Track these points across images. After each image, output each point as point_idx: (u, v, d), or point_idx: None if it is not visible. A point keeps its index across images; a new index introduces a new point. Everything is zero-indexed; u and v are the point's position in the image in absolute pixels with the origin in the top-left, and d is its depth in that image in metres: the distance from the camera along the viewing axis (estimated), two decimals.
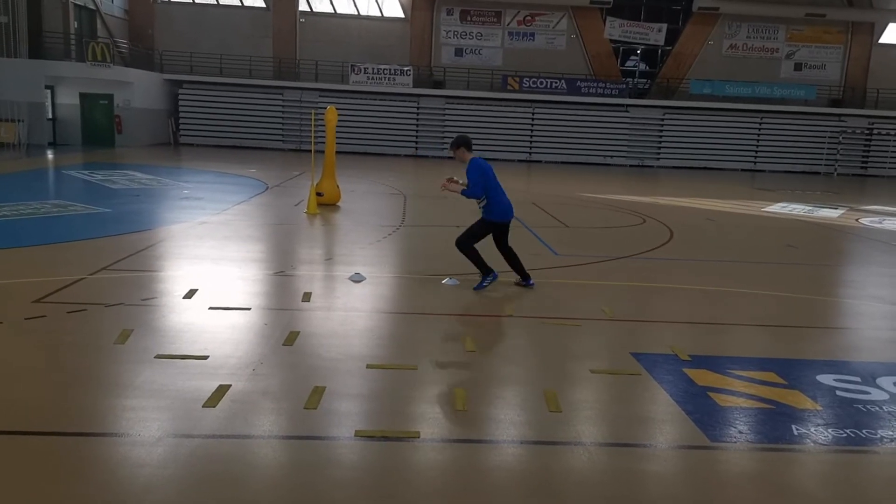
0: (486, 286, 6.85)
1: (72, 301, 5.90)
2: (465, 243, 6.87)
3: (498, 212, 6.80)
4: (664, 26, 32.16)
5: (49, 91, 25.27)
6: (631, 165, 31.63)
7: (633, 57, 33.61)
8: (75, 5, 25.98)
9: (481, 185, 6.63)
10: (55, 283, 6.41)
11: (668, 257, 9.54)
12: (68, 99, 26.02)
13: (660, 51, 33.26)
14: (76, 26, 26.20)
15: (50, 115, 25.44)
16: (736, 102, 31.66)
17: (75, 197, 12.52)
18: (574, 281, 7.76)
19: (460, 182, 6.78)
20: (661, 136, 32.08)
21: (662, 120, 31.88)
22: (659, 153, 32.16)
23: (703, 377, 4.75)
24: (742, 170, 31.78)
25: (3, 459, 3.32)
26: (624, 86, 31.74)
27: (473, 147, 6.95)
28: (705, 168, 31.46)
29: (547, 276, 7.87)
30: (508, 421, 4.00)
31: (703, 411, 4.20)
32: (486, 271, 6.90)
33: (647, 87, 33.34)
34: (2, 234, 8.85)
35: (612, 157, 31.63)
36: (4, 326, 5.16)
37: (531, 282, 7.06)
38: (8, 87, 22.43)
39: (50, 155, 21.54)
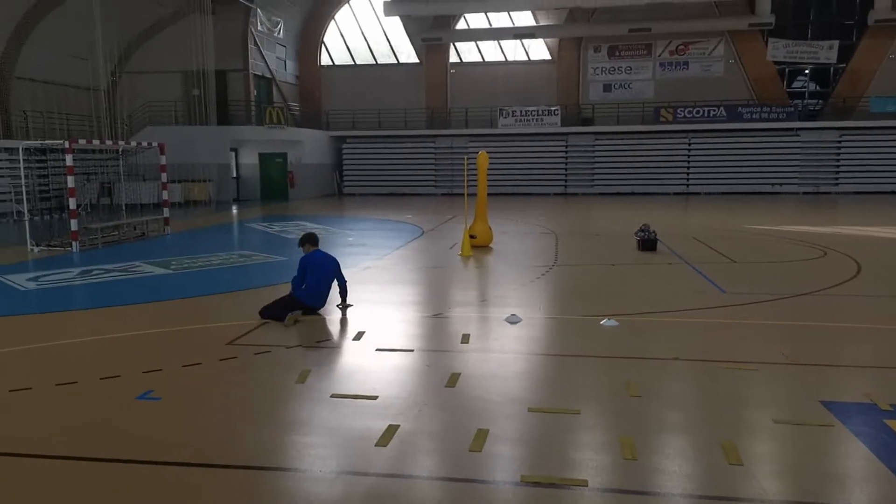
0: (285, 321, 7.13)
1: (258, 343, 6.48)
2: (271, 310, 7.39)
3: (307, 294, 7.56)
4: (836, 43, 29.59)
5: (233, 153, 28.41)
6: (805, 193, 29.10)
7: (800, 77, 31.21)
8: (254, 76, 29.19)
9: (300, 275, 7.66)
10: (243, 326, 7.09)
11: (856, 293, 8.60)
12: (249, 159, 29.07)
13: (832, 69, 30.62)
14: (255, 94, 29.35)
15: (234, 174, 28.52)
16: None
17: (257, 247, 13.83)
18: (746, 321, 7.22)
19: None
20: (838, 160, 29.28)
21: (840, 142, 29.12)
22: (837, 177, 29.33)
23: None
24: None
25: (200, 489, 3.68)
26: (792, 109, 29.50)
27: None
28: (894, 192, 28.15)
29: (714, 315, 7.40)
30: (683, 473, 3.77)
31: None
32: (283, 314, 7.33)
33: (819, 108, 30.72)
34: (200, 282, 9.99)
35: (781, 184, 29.33)
36: (204, 367, 5.78)
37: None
38: (200, 152, 25.54)
39: (234, 210, 24.05)
